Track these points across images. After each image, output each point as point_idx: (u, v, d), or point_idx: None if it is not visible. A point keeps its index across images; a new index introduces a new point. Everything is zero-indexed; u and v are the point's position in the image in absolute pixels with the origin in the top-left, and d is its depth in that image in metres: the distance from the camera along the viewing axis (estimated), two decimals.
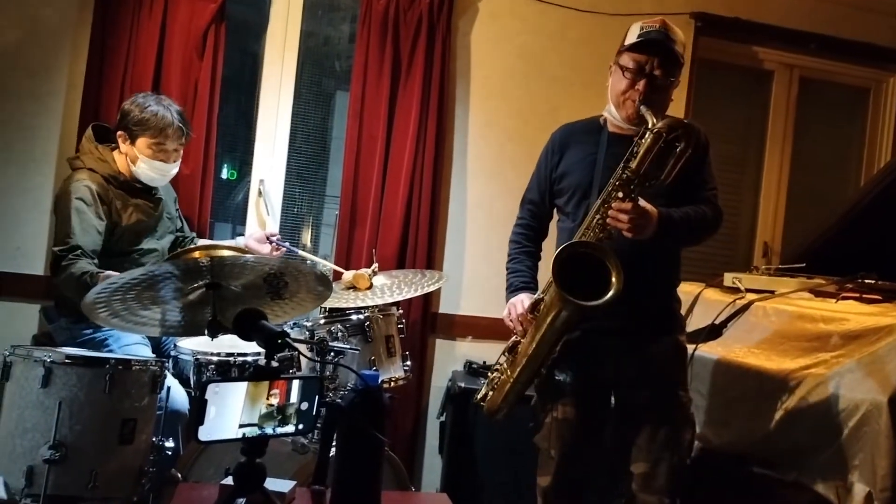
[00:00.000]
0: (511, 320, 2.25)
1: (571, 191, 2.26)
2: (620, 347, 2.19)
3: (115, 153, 2.67)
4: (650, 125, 2.02)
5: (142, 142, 2.61)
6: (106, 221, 2.58)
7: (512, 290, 2.32)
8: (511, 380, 2.22)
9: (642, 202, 2.03)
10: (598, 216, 2.07)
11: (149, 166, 2.63)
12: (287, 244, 3.04)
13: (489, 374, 2.34)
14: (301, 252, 3.17)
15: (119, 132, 2.64)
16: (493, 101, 3.50)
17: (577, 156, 2.27)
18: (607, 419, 2.27)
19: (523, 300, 2.23)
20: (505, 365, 2.26)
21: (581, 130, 2.33)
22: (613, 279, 1.98)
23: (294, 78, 3.41)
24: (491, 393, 2.29)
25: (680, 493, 2.19)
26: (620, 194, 2.02)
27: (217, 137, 3.21)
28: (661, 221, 2.06)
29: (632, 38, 2.16)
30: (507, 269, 2.39)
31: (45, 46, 3.10)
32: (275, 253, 2.90)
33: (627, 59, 2.16)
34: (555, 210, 2.38)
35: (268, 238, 2.93)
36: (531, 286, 2.30)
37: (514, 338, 2.25)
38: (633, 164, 2.02)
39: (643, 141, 2.02)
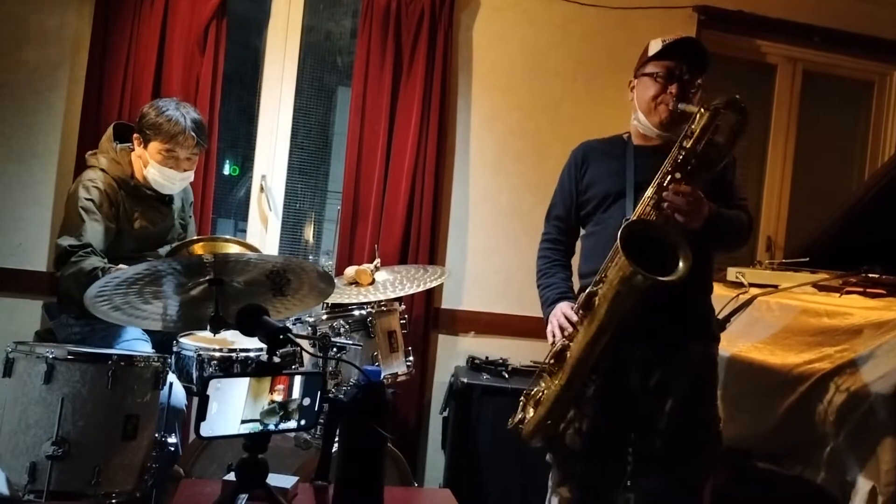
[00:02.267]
0: (554, 331, 2.12)
1: (601, 197, 2.20)
2: (648, 356, 2.11)
3: (133, 155, 2.66)
4: (699, 112, 1.96)
5: (153, 146, 2.58)
6: (114, 224, 2.57)
7: (549, 304, 2.21)
8: (559, 388, 2.07)
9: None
10: (652, 198, 1.99)
11: (158, 171, 2.60)
12: None
13: (526, 395, 2.19)
14: None
15: (136, 134, 2.63)
16: (495, 95, 3.49)
17: (604, 167, 2.23)
18: (629, 430, 2.16)
19: (563, 309, 2.13)
20: (548, 377, 2.12)
21: (604, 146, 2.30)
22: (680, 259, 1.88)
23: (296, 73, 3.40)
24: (531, 412, 2.14)
25: None
26: (678, 175, 1.95)
27: (219, 133, 3.21)
28: (712, 213, 2.01)
29: (655, 48, 2.14)
30: (539, 284, 2.29)
31: (46, 42, 3.09)
32: None
33: (655, 67, 2.13)
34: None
35: None
36: (569, 296, 2.20)
37: (559, 344, 2.10)
38: (689, 144, 1.97)
39: (699, 118, 1.96)
